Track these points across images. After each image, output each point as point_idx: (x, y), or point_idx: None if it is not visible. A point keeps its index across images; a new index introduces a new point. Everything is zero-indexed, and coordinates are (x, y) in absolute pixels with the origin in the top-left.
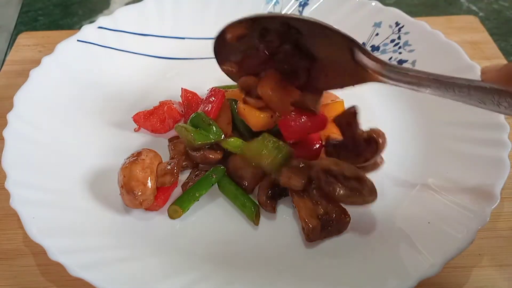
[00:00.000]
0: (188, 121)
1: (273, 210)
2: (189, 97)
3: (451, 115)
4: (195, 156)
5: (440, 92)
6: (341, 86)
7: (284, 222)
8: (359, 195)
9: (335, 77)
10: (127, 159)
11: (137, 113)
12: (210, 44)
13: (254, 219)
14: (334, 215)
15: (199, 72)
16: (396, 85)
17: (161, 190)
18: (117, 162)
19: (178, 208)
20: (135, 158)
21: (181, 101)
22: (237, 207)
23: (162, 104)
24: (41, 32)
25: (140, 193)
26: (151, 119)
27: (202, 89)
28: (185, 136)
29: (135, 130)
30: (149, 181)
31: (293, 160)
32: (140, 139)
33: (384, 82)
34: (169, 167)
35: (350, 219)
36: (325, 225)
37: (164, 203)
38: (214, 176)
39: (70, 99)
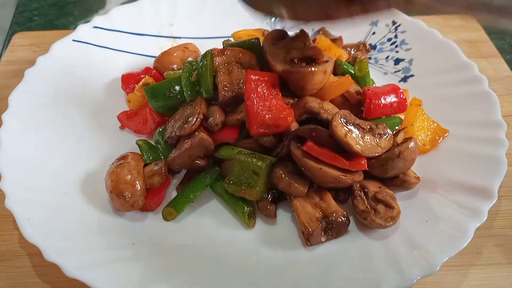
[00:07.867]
0: None
1: (274, 215)
2: None
3: (449, 114)
4: None
5: (467, 10)
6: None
7: (283, 224)
8: (377, 216)
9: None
10: (112, 164)
11: (121, 112)
12: (206, 44)
13: (247, 220)
14: (334, 218)
15: None
16: (422, 8)
17: (154, 190)
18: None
19: (173, 210)
20: (121, 162)
21: None
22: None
23: (146, 104)
24: (36, 32)
25: (130, 195)
26: (134, 119)
27: None
28: None
29: (120, 128)
30: (137, 182)
31: (289, 164)
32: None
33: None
34: (156, 167)
35: (349, 221)
36: (325, 228)
37: (160, 202)
38: (208, 178)
39: (66, 99)
